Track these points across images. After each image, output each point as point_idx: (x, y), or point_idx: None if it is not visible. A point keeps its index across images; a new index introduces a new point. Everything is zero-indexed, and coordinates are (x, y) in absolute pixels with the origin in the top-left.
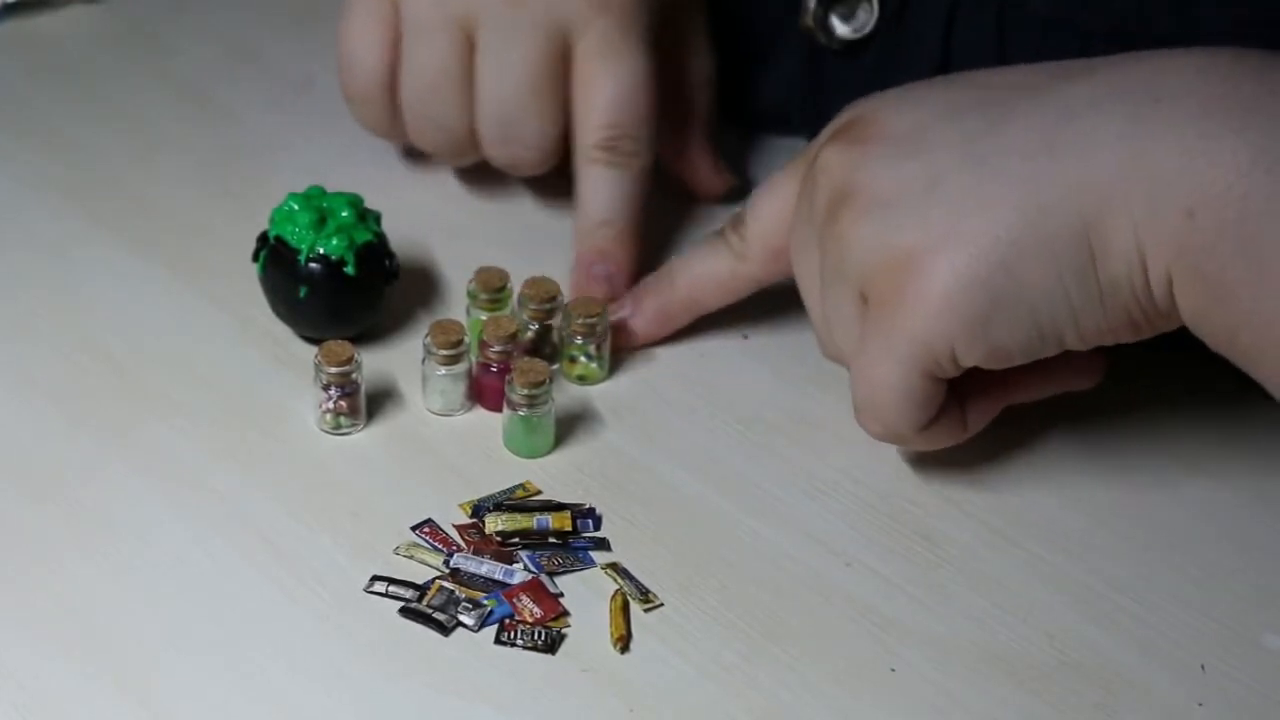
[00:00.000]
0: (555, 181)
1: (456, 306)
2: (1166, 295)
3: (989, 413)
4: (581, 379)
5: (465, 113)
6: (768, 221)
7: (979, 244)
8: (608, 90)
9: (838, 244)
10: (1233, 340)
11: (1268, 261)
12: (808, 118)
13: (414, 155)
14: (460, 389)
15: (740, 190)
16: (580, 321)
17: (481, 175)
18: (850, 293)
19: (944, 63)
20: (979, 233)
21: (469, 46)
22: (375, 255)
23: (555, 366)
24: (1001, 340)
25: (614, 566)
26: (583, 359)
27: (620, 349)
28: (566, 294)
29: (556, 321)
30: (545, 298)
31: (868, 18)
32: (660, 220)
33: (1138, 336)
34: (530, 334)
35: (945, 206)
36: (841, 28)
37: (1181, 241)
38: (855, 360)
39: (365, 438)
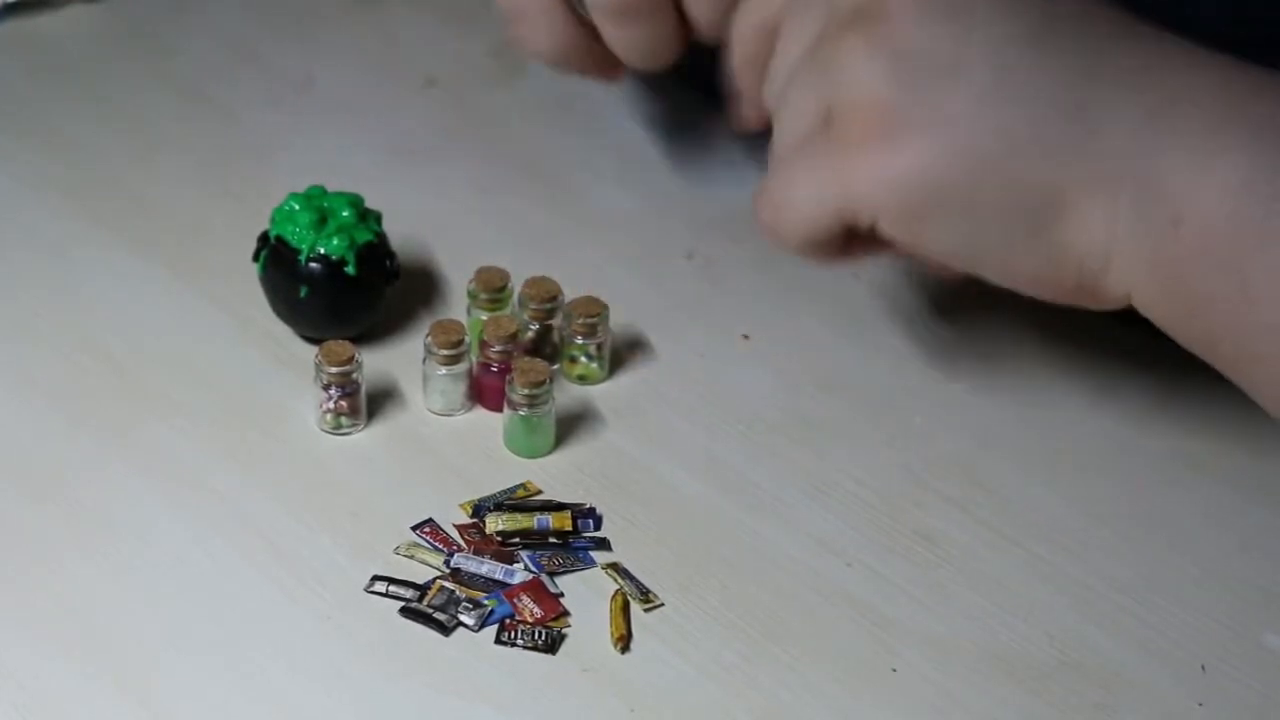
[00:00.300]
0: (555, 181)
1: (457, 306)
2: (1120, 288)
3: (875, 253)
4: (582, 379)
5: None
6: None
7: (960, 145)
8: None
9: (836, 54)
10: (1212, 349)
11: (1251, 279)
12: None
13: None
14: (461, 389)
15: None
16: (580, 321)
17: (482, 175)
18: (817, 99)
19: None
20: (967, 136)
21: None
22: (376, 255)
23: (555, 366)
24: (926, 238)
25: (614, 566)
26: (583, 359)
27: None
28: (567, 294)
29: (557, 321)
30: (545, 298)
31: None
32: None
33: (1055, 301)
34: (530, 334)
35: (952, 92)
36: None
37: (1160, 248)
38: (785, 158)
39: (365, 438)
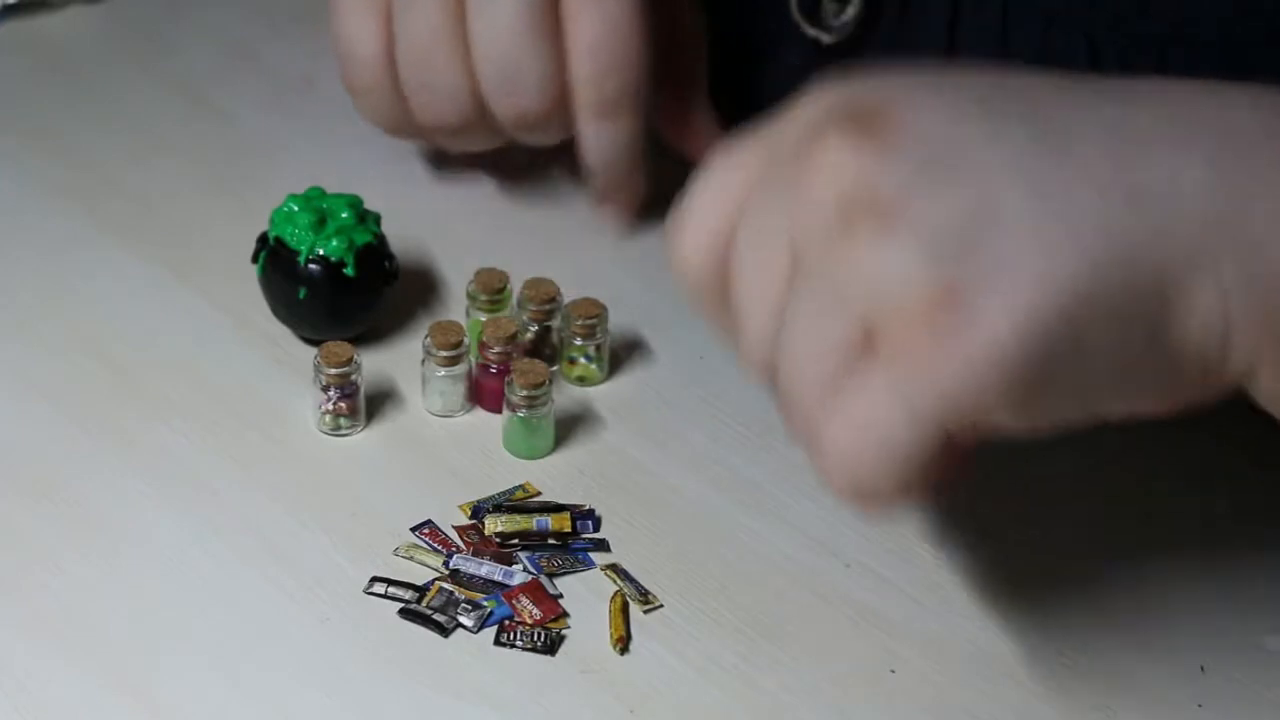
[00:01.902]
0: (555, 182)
1: (456, 307)
2: (1241, 367)
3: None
4: (581, 380)
5: (464, 71)
6: (711, 218)
7: (1043, 290)
8: (595, 21)
9: (847, 264)
10: None
11: None
12: None
13: (431, 158)
14: (460, 390)
15: None
16: (580, 323)
17: (482, 175)
18: (845, 323)
19: (948, 58)
20: (1043, 277)
21: (459, 4)
22: (375, 256)
23: (555, 368)
24: (1046, 404)
25: (613, 567)
26: (582, 360)
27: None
28: (567, 295)
29: (556, 323)
30: (545, 299)
31: (855, 10)
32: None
33: (1175, 410)
34: (530, 335)
35: (1002, 241)
36: (832, 19)
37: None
38: (835, 405)
39: (365, 439)
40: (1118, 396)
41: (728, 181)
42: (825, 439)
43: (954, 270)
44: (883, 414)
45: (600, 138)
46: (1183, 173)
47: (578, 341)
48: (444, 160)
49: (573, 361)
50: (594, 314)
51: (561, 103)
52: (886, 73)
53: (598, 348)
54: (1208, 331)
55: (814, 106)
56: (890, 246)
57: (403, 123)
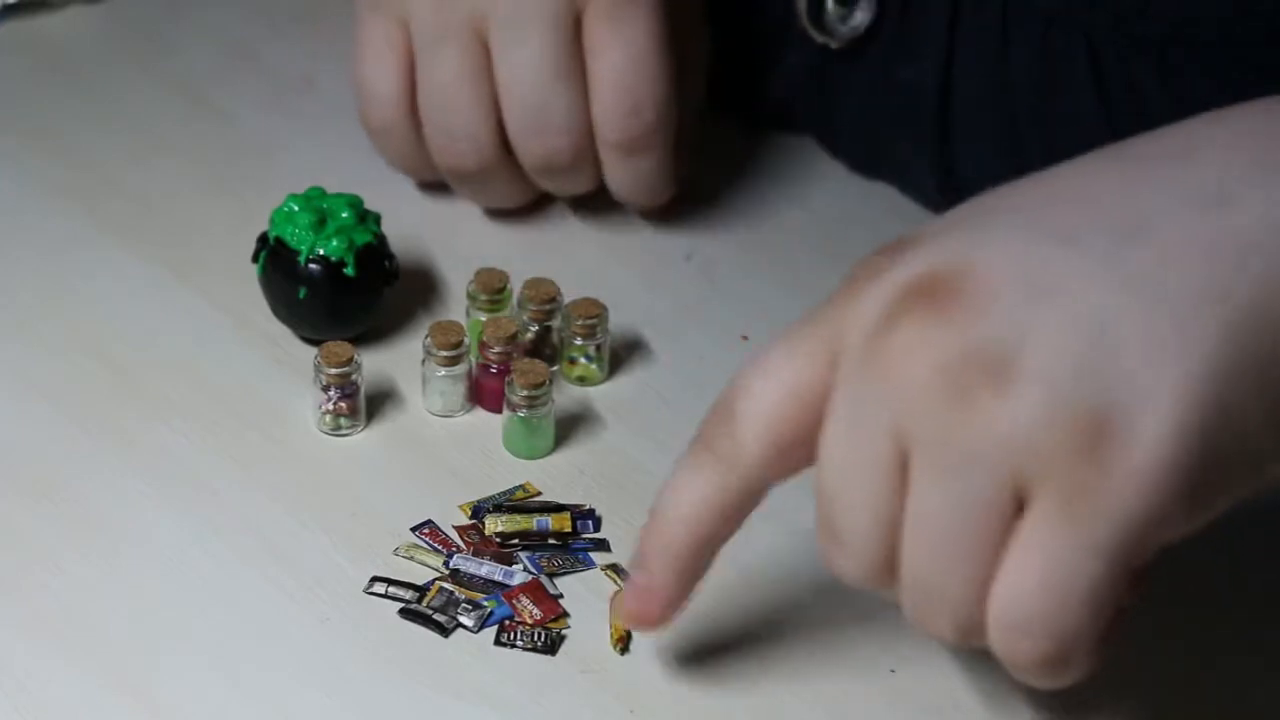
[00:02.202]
0: None
1: (456, 307)
2: None
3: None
4: (581, 380)
5: (488, 115)
6: (770, 412)
7: (1186, 387)
8: (618, 56)
9: (976, 435)
10: None
11: None
12: (813, 116)
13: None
14: (460, 390)
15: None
16: (580, 323)
17: None
18: (988, 490)
19: (948, 59)
20: (1181, 374)
21: (483, 48)
22: (375, 256)
23: (555, 368)
24: (1227, 496)
25: (614, 567)
26: (582, 360)
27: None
28: (567, 295)
29: (556, 323)
30: (545, 299)
31: (865, 16)
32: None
33: None
34: (530, 335)
35: (1127, 355)
36: (839, 25)
37: None
38: (1003, 581)
39: (365, 439)
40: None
41: (794, 370)
42: (1007, 609)
43: (1093, 403)
44: (1072, 562)
45: (627, 174)
46: (1271, 206)
47: (578, 341)
48: (471, 188)
49: (573, 361)
50: (594, 314)
51: (590, 141)
52: (916, 232)
53: (598, 348)
54: None
55: (875, 284)
56: (1020, 400)
57: (422, 165)
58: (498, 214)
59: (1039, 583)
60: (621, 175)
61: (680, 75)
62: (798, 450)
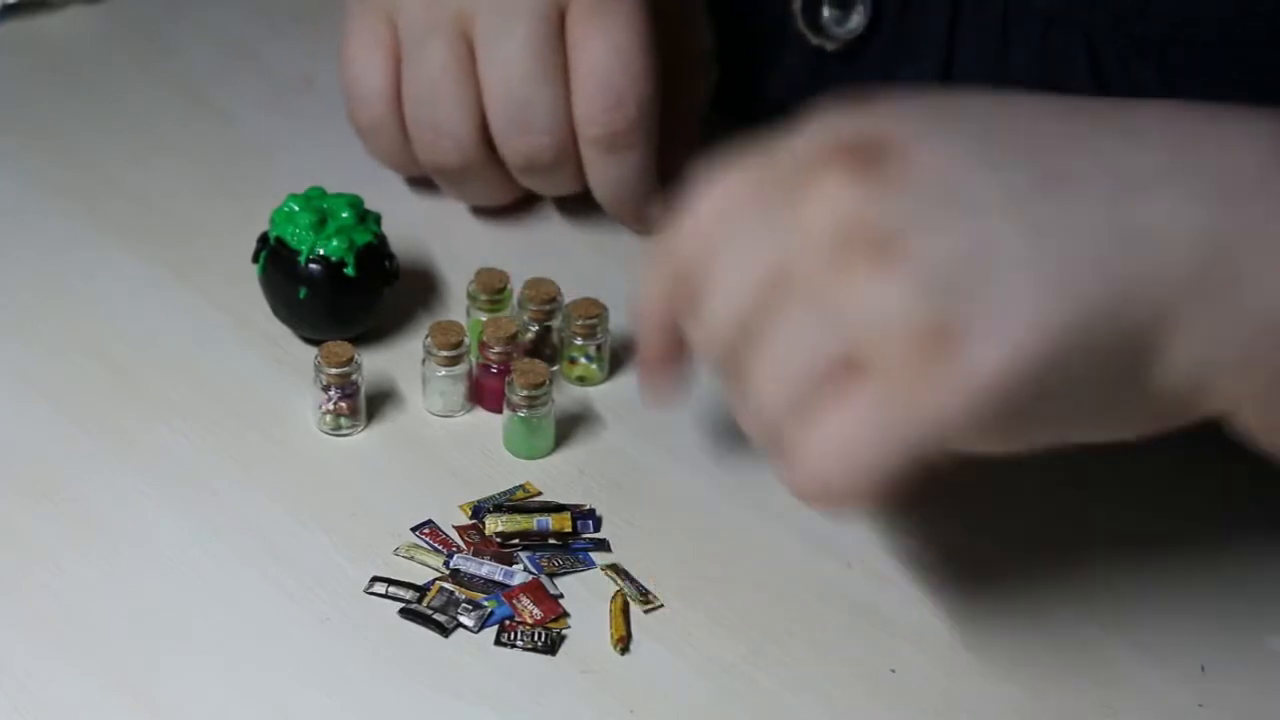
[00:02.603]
0: None
1: (456, 307)
2: (1221, 407)
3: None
4: (582, 380)
5: (471, 111)
6: (706, 220)
7: (1033, 334)
8: (600, 50)
9: (841, 292)
10: None
11: None
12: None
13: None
14: (460, 390)
15: None
16: (580, 323)
17: None
18: (833, 346)
19: (948, 59)
20: (1038, 322)
21: (467, 45)
22: (375, 256)
23: (555, 368)
24: (1025, 438)
25: (614, 567)
26: (583, 360)
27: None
28: (567, 295)
29: (556, 323)
30: (545, 299)
31: (861, 19)
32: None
33: (1147, 436)
34: (530, 335)
35: (997, 283)
36: (835, 28)
37: (1269, 354)
38: (813, 418)
39: (365, 438)
40: (1093, 427)
41: (727, 190)
42: (799, 447)
43: (949, 309)
44: (865, 433)
45: (609, 171)
46: (1178, 219)
47: (578, 341)
48: (455, 186)
49: (573, 361)
50: (594, 314)
51: (573, 140)
52: (887, 98)
53: (598, 348)
54: (1189, 375)
55: (817, 132)
56: (888, 281)
57: (410, 161)
58: (498, 214)
59: (837, 445)
60: (603, 174)
61: (681, 78)
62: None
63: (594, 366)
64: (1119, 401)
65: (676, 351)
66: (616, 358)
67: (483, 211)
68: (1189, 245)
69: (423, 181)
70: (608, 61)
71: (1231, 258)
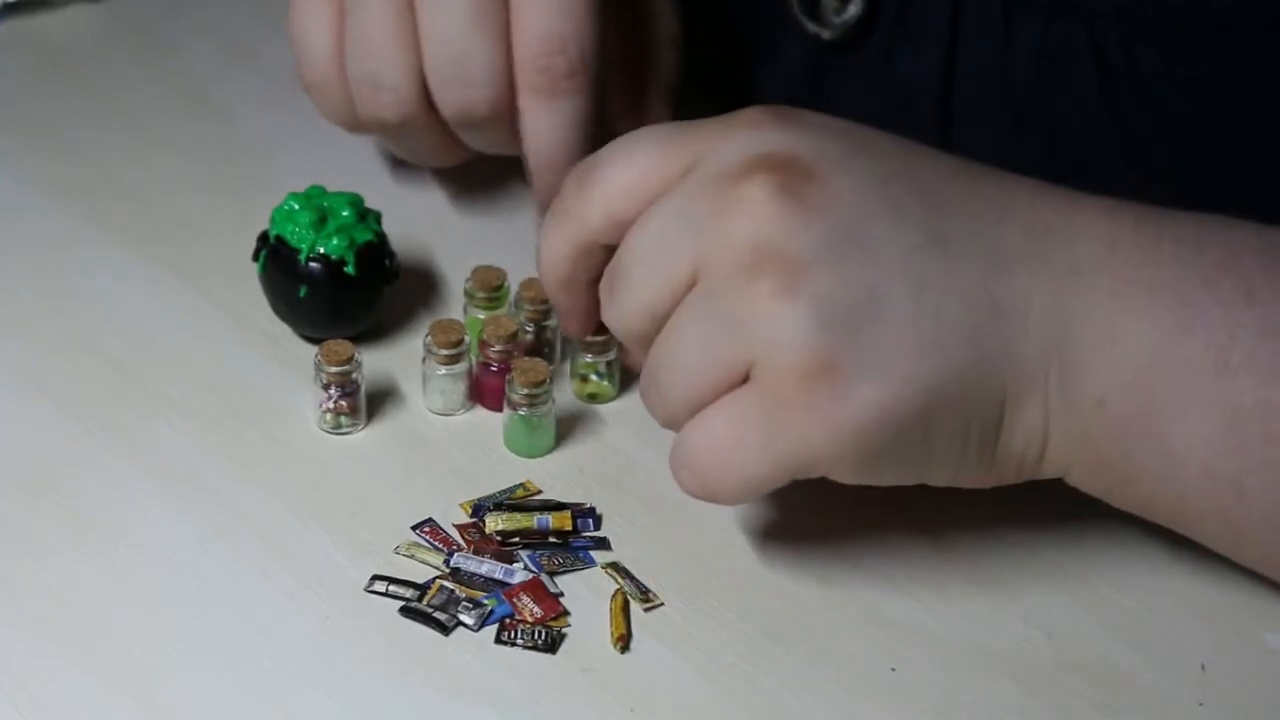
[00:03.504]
0: None
1: (456, 306)
2: (1056, 470)
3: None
4: (593, 397)
5: (410, 66)
6: (618, 189)
7: (909, 387)
8: (544, 7)
9: (746, 306)
10: (1149, 510)
11: (1173, 446)
12: (811, 109)
13: (390, 157)
14: (460, 389)
15: None
16: (590, 340)
17: (481, 175)
18: (732, 353)
19: (951, 50)
20: (911, 376)
21: (409, 1)
22: (375, 255)
23: (554, 366)
24: (885, 477)
25: (614, 566)
26: (593, 377)
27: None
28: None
29: (553, 322)
30: (542, 298)
31: (857, 8)
32: None
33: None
34: (527, 335)
35: (883, 332)
36: (833, 16)
37: (1089, 430)
38: (705, 415)
39: (365, 437)
40: (945, 473)
41: (645, 166)
42: (688, 440)
43: (837, 349)
44: (743, 444)
45: (539, 117)
46: (1034, 296)
47: (587, 358)
48: (396, 142)
49: (584, 379)
50: (604, 331)
51: (511, 96)
52: (813, 115)
53: (609, 364)
54: (1030, 440)
55: (751, 139)
56: (787, 308)
57: (357, 119)
58: (498, 213)
59: (717, 452)
60: (538, 122)
61: (648, 50)
62: (629, 226)
63: (605, 383)
64: (968, 454)
65: (585, 301)
66: (627, 373)
67: (483, 211)
68: (1039, 325)
69: (423, 180)
70: (551, 8)
71: (1068, 341)
